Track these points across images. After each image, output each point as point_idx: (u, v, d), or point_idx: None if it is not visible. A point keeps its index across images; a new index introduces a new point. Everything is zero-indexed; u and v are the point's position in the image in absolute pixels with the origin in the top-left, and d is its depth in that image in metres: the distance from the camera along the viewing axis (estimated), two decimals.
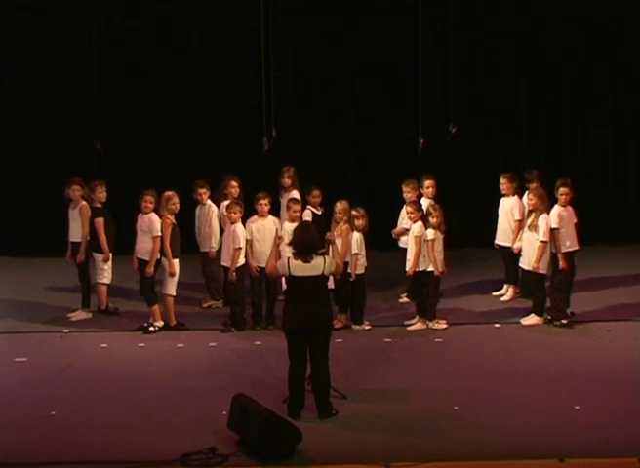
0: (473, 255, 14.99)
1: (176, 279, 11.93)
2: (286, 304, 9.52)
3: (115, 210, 12.81)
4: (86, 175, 12.99)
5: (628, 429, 8.95)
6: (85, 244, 12.44)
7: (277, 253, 10.82)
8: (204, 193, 12.74)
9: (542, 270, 11.96)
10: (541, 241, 11.86)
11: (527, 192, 12.55)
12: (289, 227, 11.40)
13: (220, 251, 12.49)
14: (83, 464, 8.46)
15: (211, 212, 12.71)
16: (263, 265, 11.01)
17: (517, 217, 12.83)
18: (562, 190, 12.03)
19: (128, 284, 13.04)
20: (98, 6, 14.88)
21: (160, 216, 11.87)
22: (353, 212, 11.91)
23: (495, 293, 13.25)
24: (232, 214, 11.92)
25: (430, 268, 11.90)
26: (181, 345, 11.48)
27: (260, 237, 12.00)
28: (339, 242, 11.35)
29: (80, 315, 12.53)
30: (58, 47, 15.10)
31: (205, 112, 15.43)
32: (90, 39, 14.98)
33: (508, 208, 12.98)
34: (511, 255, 12.85)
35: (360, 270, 11.90)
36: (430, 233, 11.87)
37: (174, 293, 11.96)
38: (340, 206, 11.93)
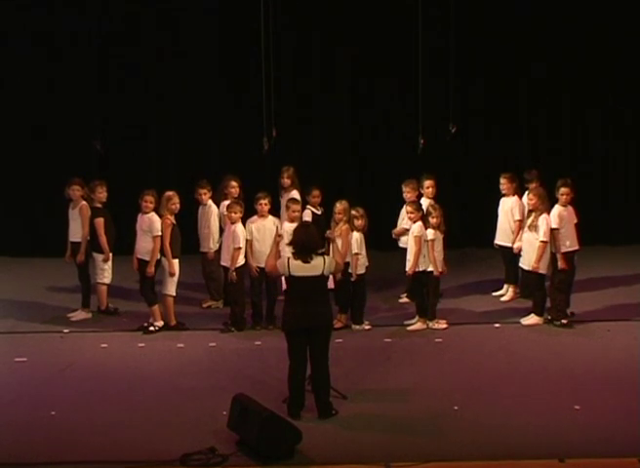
0: (473, 255, 14.98)
1: (176, 279, 11.93)
2: (286, 304, 9.53)
3: (115, 210, 12.80)
4: (86, 175, 12.98)
5: (628, 429, 8.95)
6: (85, 244, 12.43)
7: (277, 252, 10.81)
8: (204, 194, 12.71)
9: (542, 270, 11.96)
10: (541, 241, 11.86)
11: (527, 192, 12.55)
12: (289, 227, 11.38)
13: (219, 251, 12.49)
14: (83, 464, 8.46)
15: (211, 212, 12.69)
16: (263, 265, 11.00)
17: (517, 217, 12.84)
18: (563, 190, 12.03)
19: (128, 284, 13.03)
20: (98, 6, 14.87)
21: (160, 216, 11.87)
22: (353, 212, 11.90)
23: (495, 293, 13.25)
24: (232, 214, 11.92)
25: (430, 268, 11.89)
26: (181, 345, 11.47)
27: (259, 237, 12.00)
28: (338, 242, 11.34)
29: (80, 315, 12.52)
30: (58, 47, 15.12)
31: (205, 112, 15.41)
32: (90, 39, 14.97)
33: (508, 208, 12.98)
34: (511, 255, 12.85)
35: (361, 270, 11.90)
36: (430, 233, 11.87)
37: (174, 293, 11.96)
38: (339, 206, 11.92)
